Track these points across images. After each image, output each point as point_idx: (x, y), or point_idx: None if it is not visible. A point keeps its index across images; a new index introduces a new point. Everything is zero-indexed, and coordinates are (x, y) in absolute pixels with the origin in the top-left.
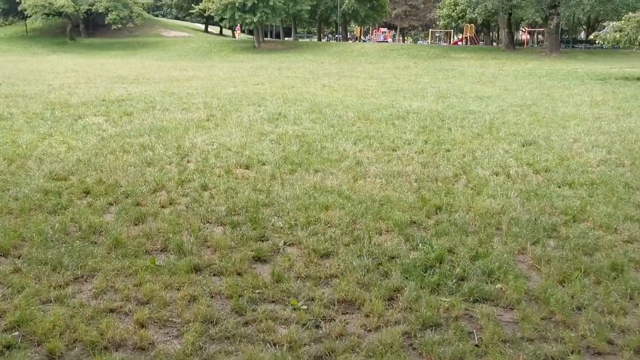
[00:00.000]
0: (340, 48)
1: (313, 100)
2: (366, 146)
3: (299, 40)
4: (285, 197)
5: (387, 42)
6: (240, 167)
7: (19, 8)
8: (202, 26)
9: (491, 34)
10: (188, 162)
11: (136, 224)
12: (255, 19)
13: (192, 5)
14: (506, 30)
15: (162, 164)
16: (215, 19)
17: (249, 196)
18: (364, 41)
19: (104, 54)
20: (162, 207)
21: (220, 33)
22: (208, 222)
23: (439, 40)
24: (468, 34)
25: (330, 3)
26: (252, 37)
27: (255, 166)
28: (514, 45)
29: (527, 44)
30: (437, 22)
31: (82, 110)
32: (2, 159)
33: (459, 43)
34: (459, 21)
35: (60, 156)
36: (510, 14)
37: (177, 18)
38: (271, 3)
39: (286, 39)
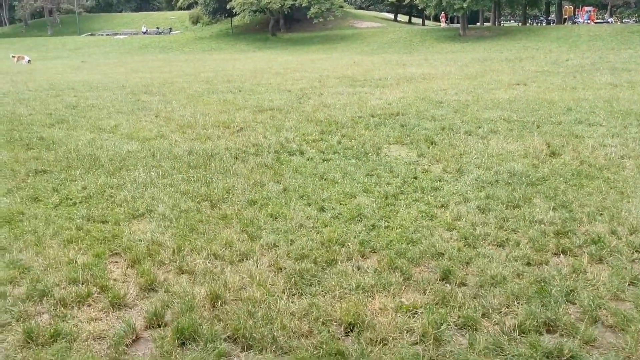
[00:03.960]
0: (560, 32)
1: None
2: None
3: (502, 25)
4: None
5: (604, 21)
6: None
7: (227, 6)
8: (390, 15)
9: None
10: None
11: None
12: (465, 5)
13: None
14: None
15: None
16: (419, 7)
17: None
18: (575, 22)
19: (306, 49)
20: None
21: (409, 21)
22: None
23: None
24: None
25: None
26: (442, 24)
27: None
28: None
29: None
30: None
31: (368, 135)
32: (395, 271)
33: None
34: None
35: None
36: None
37: (360, 8)
38: None
39: (485, 24)
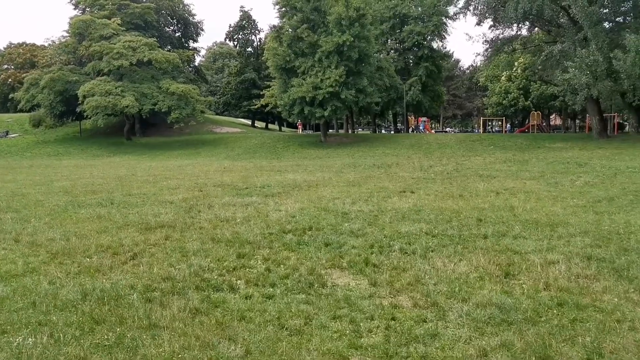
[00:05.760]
0: (412, 140)
1: (552, 222)
2: None
3: (357, 132)
4: None
5: (443, 131)
6: None
7: (78, 110)
8: (247, 121)
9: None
10: None
11: None
12: (325, 113)
13: (242, 102)
14: (597, 117)
15: None
16: (281, 115)
17: None
18: (418, 131)
19: (167, 154)
20: None
21: (266, 127)
22: None
23: (492, 128)
24: (535, 121)
25: (394, 95)
26: (300, 131)
27: None
28: (607, 132)
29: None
30: (485, 110)
31: (296, 259)
32: None
33: (526, 130)
34: (511, 109)
35: None
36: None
37: (216, 113)
38: (342, 96)
39: (340, 131)
